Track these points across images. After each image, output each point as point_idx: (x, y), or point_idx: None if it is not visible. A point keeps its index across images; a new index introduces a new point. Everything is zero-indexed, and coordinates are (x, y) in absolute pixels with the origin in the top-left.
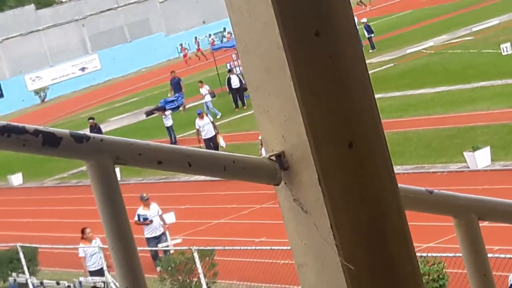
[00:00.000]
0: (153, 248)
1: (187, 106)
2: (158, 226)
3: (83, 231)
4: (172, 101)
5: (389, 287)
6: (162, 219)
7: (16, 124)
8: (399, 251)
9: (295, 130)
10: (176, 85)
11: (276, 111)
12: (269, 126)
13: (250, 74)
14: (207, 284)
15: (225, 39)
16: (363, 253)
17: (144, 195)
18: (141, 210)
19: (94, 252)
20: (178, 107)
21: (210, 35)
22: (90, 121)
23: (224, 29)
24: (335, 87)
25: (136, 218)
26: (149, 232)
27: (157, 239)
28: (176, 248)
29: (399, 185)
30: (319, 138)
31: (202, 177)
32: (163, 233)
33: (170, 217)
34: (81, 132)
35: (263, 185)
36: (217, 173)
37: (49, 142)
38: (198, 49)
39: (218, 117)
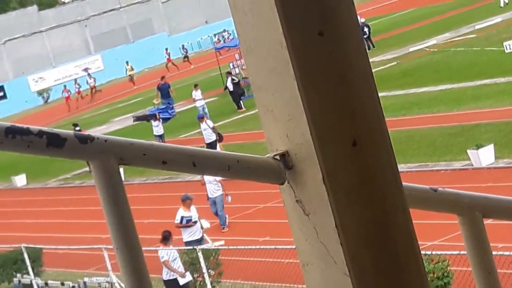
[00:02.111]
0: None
1: (185, 108)
2: (199, 229)
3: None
4: (164, 109)
5: (394, 286)
6: (200, 223)
7: (20, 125)
8: (404, 249)
9: (299, 129)
10: (165, 91)
11: (280, 110)
12: (273, 126)
13: (254, 74)
14: (211, 284)
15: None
16: (368, 251)
17: (188, 195)
18: (183, 212)
19: (176, 256)
20: (169, 118)
21: (215, 35)
22: (76, 128)
23: (224, 30)
24: (338, 85)
25: (178, 221)
26: (190, 235)
27: (198, 242)
28: (180, 248)
29: (403, 183)
30: (323, 137)
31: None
32: (202, 236)
33: (204, 223)
34: (85, 132)
35: (268, 184)
36: (221, 173)
37: (53, 143)
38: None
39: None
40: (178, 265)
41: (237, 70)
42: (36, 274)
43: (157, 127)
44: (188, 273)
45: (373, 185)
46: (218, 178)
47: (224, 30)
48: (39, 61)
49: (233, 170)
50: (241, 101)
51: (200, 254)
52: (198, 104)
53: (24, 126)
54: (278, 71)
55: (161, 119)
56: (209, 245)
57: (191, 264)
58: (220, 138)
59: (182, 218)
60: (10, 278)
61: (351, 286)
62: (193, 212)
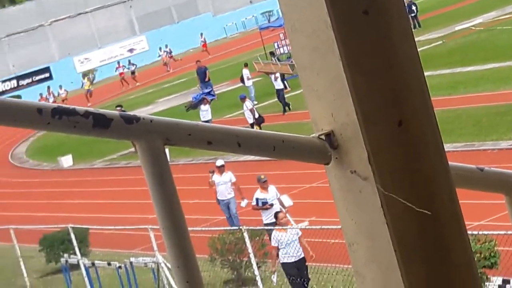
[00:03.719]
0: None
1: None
2: (278, 210)
3: (276, 216)
4: (207, 92)
5: (440, 265)
6: (281, 203)
7: (67, 106)
8: (450, 229)
9: (344, 109)
10: (203, 75)
11: (324, 90)
12: (318, 105)
13: (298, 53)
14: (257, 264)
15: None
16: (414, 231)
17: (262, 176)
18: (259, 194)
19: (290, 240)
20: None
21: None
22: (118, 108)
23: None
24: (384, 65)
25: (254, 203)
26: (269, 217)
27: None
28: (225, 228)
29: (450, 163)
30: (368, 117)
31: (251, 157)
32: None
33: (286, 200)
34: (131, 113)
35: (312, 164)
36: (266, 153)
37: (99, 123)
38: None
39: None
40: (293, 250)
41: (281, 50)
42: (83, 254)
43: (206, 112)
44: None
45: (418, 164)
46: (234, 180)
47: (269, 11)
48: (85, 42)
49: (278, 150)
50: (285, 81)
51: (245, 235)
52: (248, 83)
53: (70, 107)
54: (322, 50)
55: (210, 103)
56: (290, 226)
57: (236, 244)
58: (259, 119)
59: (257, 200)
60: (57, 258)
61: (397, 265)
62: (270, 194)
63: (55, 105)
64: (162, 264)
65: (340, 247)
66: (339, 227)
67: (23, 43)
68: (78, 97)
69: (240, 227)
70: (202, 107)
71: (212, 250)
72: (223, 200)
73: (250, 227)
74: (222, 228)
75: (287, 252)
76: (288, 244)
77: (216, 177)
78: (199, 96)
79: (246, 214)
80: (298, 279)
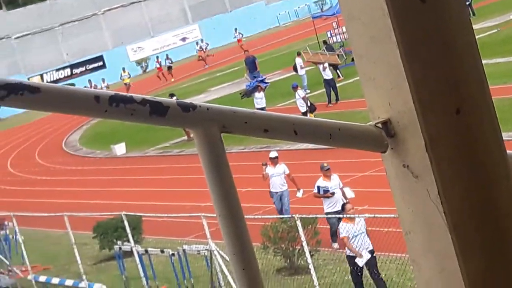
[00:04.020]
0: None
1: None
2: (340, 200)
3: (343, 207)
4: (262, 80)
5: (499, 255)
6: (343, 193)
7: (124, 93)
8: (509, 219)
9: (401, 97)
10: (252, 64)
11: (381, 78)
12: (374, 94)
13: (355, 41)
14: (310, 252)
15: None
16: (472, 220)
17: (325, 164)
18: (321, 182)
19: (358, 232)
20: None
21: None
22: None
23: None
24: (441, 53)
25: (315, 190)
26: (330, 206)
27: (339, 213)
28: (278, 216)
29: (508, 151)
30: (426, 105)
31: (303, 146)
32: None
33: (348, 192)
34: (188, 101)
35: (364, 153)
36: (323, 141)
37: (156, 111)
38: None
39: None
40: (361, 242)
41: (334, 39)
42: (136, 242)
43: (261, 99)
44: (365, 253)
45: (476, 153)
46: (287, 172)
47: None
48: (138, 31)
49: (335, 138)
50: (338, 70)
51: (298, 223)
52: (301, 72)
53: (127, 95)
54: (380, 38)
55: (264, 90)
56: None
57: (288, 232)
58: (311, 108)
59: (318, 188)
60: (111, 245)
61: (455, 254)
62: (333, 182)
63: (113, 92)
64: (215, 252)
65: (393, 236)
66: (392, 215)
67: (76, 32)
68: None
69: (293, 215)
70: (257, 94)
71: (265, 238)
72: (276, 193)
73: (303, 215)
74: (275, 216)
75: (354, 243)
76: (355, 236)
77: (269, 169)
78: (253, 84)
79: (299, 203)
80: (368, 273)
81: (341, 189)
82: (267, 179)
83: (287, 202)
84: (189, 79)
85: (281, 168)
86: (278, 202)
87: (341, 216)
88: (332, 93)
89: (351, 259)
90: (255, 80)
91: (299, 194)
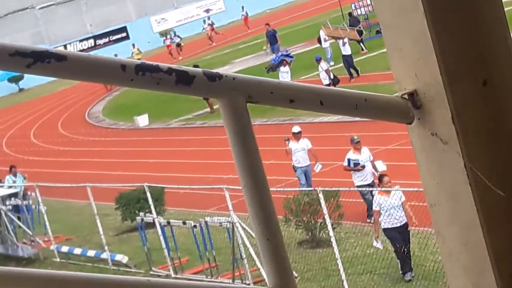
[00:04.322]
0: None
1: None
2: (370, 173)
3: (380, 179)
4: (287, 55)
5: None
6: (374, 166)
7: (150, 62)
8: None
9: (428, 68)
10: (272, 38)
11: (408, 49)
12: (401, 65)
13: (382, 12)
14: (332, 225)
15: None
16: (497, 192)
17: (355, 137)
18: (351, 154)
19: (392, 205)
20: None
21: None
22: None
23: None
24: (469, 23)
25: (346, 163)
26: (360, 179)
27: (370, 187)
28: (300, 189)
29: None
30: (453, 76)
31: (326, 119)
32: (373, 182)
33: (379, 165)
34: (214, 70)
35: (388, 127)
36: (348, 112)
37: (182, 80)
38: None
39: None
40: (394, 216)
41: (359, 11)
42: (158, 213)
43: (286, 74)
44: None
45: (503, 124)
46: (310, 146)
47: None
48: (161, 2)
49: (361, 109)
50: (361, 43)
51: (320, 196)
52: (325, 44)
53: (153, 64)
54: (406, 8)
55: (289, 64)
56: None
57: (310, 206)
58: (334, 80)
59: (349, 160)
60: (133, 216)
61: (479, 226)
62: (364, 155)
63: (139, 61)
64: (237, 224)
65: (416, 209)
66: (416, 189)
67: (100, 3)
68: (155, 56)
69: (315, 188)
70: (282, 68)
71: (287, 210)
72: (300, 167)
73: (326, 188)
74: (297, 189)
75: (389, 216)
76: (390, 208)
77: (292, 144)
78: (279, 57)
79: (323, 176)
80: (400, 246)
81: (372, 162)
82: (289, 154)
83: (310, 177)
84: (213, 51)
85: (304, 143)
86: (302, 177)
87: (373, 189)
88: (352, 70)
89: (387, 232)
90: (280, 54)
91: (317, 168)
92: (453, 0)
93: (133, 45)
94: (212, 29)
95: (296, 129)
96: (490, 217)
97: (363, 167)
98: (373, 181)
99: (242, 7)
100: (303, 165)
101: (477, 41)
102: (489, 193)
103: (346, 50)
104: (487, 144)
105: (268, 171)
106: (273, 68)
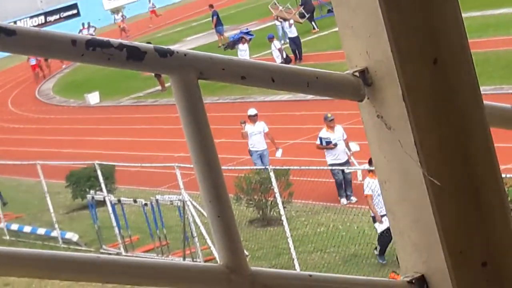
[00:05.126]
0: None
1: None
2: (343, 152)
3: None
4: (247, 32)
5: (474, 203)
6: (347, 145)
7: (101, 38)
8: (484, 167)
9: (379, 46)
10: (217, 18)
11: (360, 26)
12: (352, 42)
13: None
14: (282, 204)
15: None
16: (447, 169)
17: (329, 115)
18: (324, 133)
19: None
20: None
21: None
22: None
23: None
24: (421, 2)
25: (318, 142)
26: (332, 158)
27: (343, 166)
28: (251, 167)
29: (485, 102)
30: (404, 54)
31: (278, 97)
32: (347, 161)
33: (353, 146)
34: (165, 47)
35: (338, 105)
36: (300, 89)
37: (133, 56)
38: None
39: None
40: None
41: None
42: (109, 191)
43: (245, 52)
44: (385, 220)
45: (453, 102)
46: (266, 130)
47: None
48: None
49: (312, 87)
50: (313, 22)
51: (271, 174)
52: (277, 23)
53: (104, 39)
54: None
55: (248, 42)
56: (356, 168)
57: (261, 184)
58: (287, 60)
59: (321, 139)
60: (84, 194)
61: (429, 203)
62: (336, 134)
63: (89, 37)
64: (188, 202)
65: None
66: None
67: None
68: (106, 34)
69: (266, 167)
70: (241, 46)
71: (238, 189)
72: (256, 151)
73: (277, 167)
74: (248, 167)
75: (380, 201)
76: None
77: (248, 127)
78: (238, 35)
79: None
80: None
81: (345, 140)
82: (246, 138)
83: (267, 161)
84: (164, 29)
85: (261, 126)
86: (258, 161)
87: (344, 168)
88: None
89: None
90: (240, 31)
91: (278, 154)
92: None
93: (88, 24)
94: (153, 11)
95: (252, 111)
96: (440, 195)
97: (335, 145)
98: (347, 160)
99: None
100: (259, 149)
101: (428, 19)
102: (439, 171)
103: (292, 32)
104: (437, 121)
105: (220, 150)
106: (230, 46)
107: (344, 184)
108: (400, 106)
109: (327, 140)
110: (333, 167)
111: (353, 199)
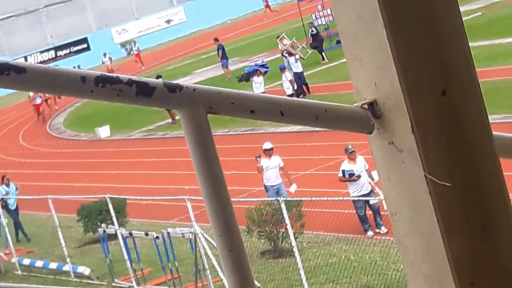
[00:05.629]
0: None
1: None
2: (366, 183)
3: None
4: (262, 65)
5: (483, 235)
6: (370, 175)
7: (110, 74)
8: (494, 199)
9: (387, 78)
10: (223, 50)
11: (368, 59)
12: (361, 74)
13: (342, 21)
14: (294, 235)
15: None
16: (457, 200)
17: (350, 147)
18: (346, 165)
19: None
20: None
21: None
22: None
23: None
24: (428, 34)
25: (340, 174)
26: (356, 189)
27: (366, 197)
28: (262, 199)
29: (494, 132)
30: (412, 86)
31: (288, 129)
32: (371, 191)
33: (375, 174)
34: (174, 82)
35: (349, 137)
36: (309, 122)
37: (142, 92)
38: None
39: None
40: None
41: (319, 22)
42: (121, 225)
43: (260, 84)
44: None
45: (462, 134)
46: (282, 164)
47: None
48: (122, 13)
49: (321, 119)
50: (323, 53)
51: (282, 205)
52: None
53: (113, 75)
54: (366, 18)
55: (264, 74)
56: (379, 198)
57: (273, 215)
58: (298, 91)
59: (343, 171)
60: (95, 228)
61: (440, 235)
62: (359, 165)
63: (98, 73)
64: (200, 235)
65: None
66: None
67: (61, 14)
68: (117, 67)
69: (278, 198)
70: (255, 78)
71: (249, 221)
72: (272, 186)
73: (288, 198)
74: (260, 199)
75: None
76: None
77: (264, 162)
78: (253, 68)
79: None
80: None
81: (367, 171)
82: (261, 172)
83: (285, 195)
84: (174, 62)
85: (276, 160)
86: (275, 196)
87: (368, 198)
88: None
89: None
90: (255, 64)
91: (292, 189)
92: (412, 10)
93: (105, 54)
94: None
95: (267, 145)
96: (450, 226)
97: (359, 177)
98: (370, 190)
99: (134, 41)
100: (274, 184)
101: (436, 51)
102: (449, 202)
103: (298, 68)
104: (447, 153)
105: (230, 181)
106: (245, 78)
107: (374, 215)
108: (409, 138)
109: (350, 173)
110: (353, 198)
111: (384, 229)
